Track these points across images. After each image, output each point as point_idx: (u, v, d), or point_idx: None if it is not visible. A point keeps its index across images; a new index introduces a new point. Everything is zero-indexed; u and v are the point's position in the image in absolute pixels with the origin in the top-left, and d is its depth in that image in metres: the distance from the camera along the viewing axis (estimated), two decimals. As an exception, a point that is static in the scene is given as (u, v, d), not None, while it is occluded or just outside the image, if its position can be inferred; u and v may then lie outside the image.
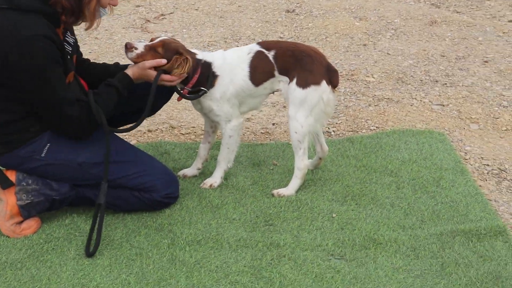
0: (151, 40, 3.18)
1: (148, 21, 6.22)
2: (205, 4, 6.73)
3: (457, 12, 6.53)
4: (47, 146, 2.94)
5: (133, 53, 3.10)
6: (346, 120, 4.31)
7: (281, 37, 5.80)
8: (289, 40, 5.70)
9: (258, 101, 3.42)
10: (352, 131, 4.18)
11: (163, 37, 3.20)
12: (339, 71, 4.99)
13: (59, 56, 2.82)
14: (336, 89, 3.32)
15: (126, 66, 3.24)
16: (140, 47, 3.11)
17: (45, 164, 2.95)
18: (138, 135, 4.06)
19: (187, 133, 4.11)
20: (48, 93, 2.80)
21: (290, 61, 3.23)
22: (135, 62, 3.13)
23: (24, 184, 2.97)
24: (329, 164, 3.70)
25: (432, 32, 5.91)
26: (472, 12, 6.54)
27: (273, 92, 3.43)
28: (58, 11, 2.81)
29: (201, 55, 3.26)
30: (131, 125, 3.11)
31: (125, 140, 3.70)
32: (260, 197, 3.37)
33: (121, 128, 3.11)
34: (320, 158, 3.59)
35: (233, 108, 3.30)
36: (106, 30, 5.96)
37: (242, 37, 5.79)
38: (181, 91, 3.24)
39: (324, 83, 3.22)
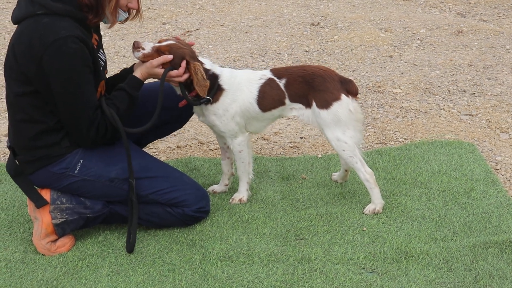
0: (159, 42, 3.19)
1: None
2: (230, 20, 6.79)
3: (484, 21, 6.49)
4: (80, 162, 2.99)
5: (140, 53, 3.11)
6: (374, 132, 4.30)
7: (307, 51, 5.82)
8: (314, 53, 5.73)
9: (263, 125, 3.42)
10: (380, 143, 4.17)
11: (171, 41, 3.17)
12: (365, 83, 5.03)
13: (90, 60, 2.88)
14: (357, 96, 3.29)
15: (132, 67, 3.26)
16: (148, 48, 3.12)
17: (78, 180, 3.00)
18: (167, 152, 4.11)
19: (216, 149, 4.14)
20: (76, 93, 2.85)
21: (302, 87, 3.22)
22: (142, 61, 3.14)
23: (58, 203, 3.02)
24: (358, 177, 3.69)
25: (459, 42, 5.88)
26: (499, 20, 6.49)
27: (282, 117, 3.41)
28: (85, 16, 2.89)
29: (209, 65, 3.25)
30: (147, 125, 3.07)
31: (155, 156, 3.75)
32: (290, 211, 3.38)
33: (136, 129, 3.07)
34: (346, 170, 3.59)
35: (239, 126, 3.30)
36: (134, 48, 6.03)
37: (268, 52, 5.83)
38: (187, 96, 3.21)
39: (343, 96, 3.20)
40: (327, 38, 6.12)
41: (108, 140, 3.04)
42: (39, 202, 3.00)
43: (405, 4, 7.10)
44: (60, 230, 3.03)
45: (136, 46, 3.12)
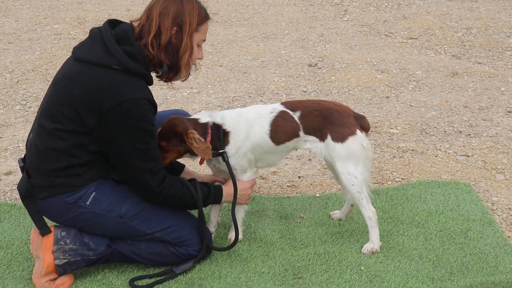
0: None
1: (174, 77, 6.37)
2: (229, 60, 6.89)
3: (478, 63, 6.60)
4: (93, 195, 3.00)
5: None
6: (371, 172, 4.34)
7: (304, 91, 5.90)
8: (312, 94, 5.80)
9: (277, 158, 3.43)
10: (377, 183, 4.21)
11: (159, 127, 3.20)
12: (363, 124, 5.09)
13: (154, 122, 2.95)
14: (368, 132, 3.33)
15: None
16: None
17: (88, 212, 3.01)
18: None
19: (214, 188, 4.16)
20: (138, 156, 2.90)
21: (318, 120, 3.25)
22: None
23: (62, 243, 3.03)
24: (356, 216, 3.72)
25: (454, 84, 5.97)
26: (494, 63, 6.60)
27: (296, 149, 3.45)
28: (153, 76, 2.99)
29: (206, 117, 3.26)
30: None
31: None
32: (288, 250, 3.39)
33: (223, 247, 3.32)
34: (351, 205, 3.61)
35: (249, 162, 3.33)
36: (134, 87, 6.10)
37: (266, 92, 5.90)
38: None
39: (358, 131, 3.25)
40: (324, 79, 6.21)
41: (170, 206, 3.12)
42: (44, 230, 3.01)
43: (401, 46, 7.22)
44: (61, 269, 3.03)
45: None
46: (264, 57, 6.94)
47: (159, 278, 3.11)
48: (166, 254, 3.14)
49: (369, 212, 3.31)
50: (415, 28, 7.84)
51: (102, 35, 2.89)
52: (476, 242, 3.44)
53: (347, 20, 8.39)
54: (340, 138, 3.22)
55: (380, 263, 3.27)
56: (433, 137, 4.86)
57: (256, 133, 3.27)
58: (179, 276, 3.14)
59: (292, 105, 3.33)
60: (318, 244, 3.44)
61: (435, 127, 5.03)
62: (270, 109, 3.31)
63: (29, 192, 2.99)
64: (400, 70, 6.34)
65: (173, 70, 3.01)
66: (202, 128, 3.21)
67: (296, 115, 3.28)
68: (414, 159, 4.50)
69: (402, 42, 7.39)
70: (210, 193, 3.19)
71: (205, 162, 3.39)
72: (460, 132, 4.94)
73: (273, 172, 4.37)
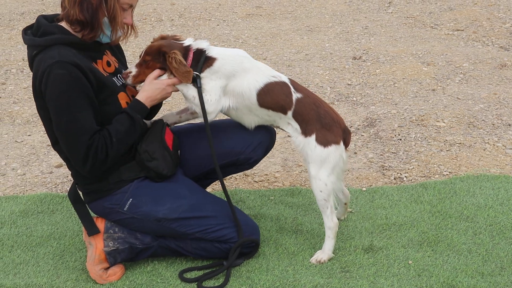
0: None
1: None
2: (272, 53, 6.90)
3: (527, 54, 6.46)
4: (130, 201, 3.07)
5: (130, 78, 3.08)
6: (418, 165, 4.31)
7: (349, 84, 5.88)
8: (357, 86, 5.77)
9: (250, 120, 3.26)
10: (424, 176, 4.17)
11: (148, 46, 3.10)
12: (408, 116, 5.06)
13: (84, 82, 2.79)
14: (347, 148, 3.27)
15: None
16: (133, 69, 3.08)
17: (127, 217, 3.09)
18: (213, 184, 4.17)
19: (260, 181, 4.19)
20: (68, 120, 2.78)
21: (311, 115, 3.16)
22: (136, 84, 3.12)
23: (111, 232, 3.13)
24: (403, 209, 3.70)
25: (503, 76, 5.87)
26: (543, 54, 6.46)
27: (274, 124, 3.29)
28: (80, 37, 2.88)
29: (190, 41, 3.10)
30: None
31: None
32: (335, 243, 3.39)
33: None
34: (345, 204, 3.56)
35: (221, 96, 3.11)
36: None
37: (310, 85, 5.90)
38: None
39: (341, 143, 3.20)
40: (369, 72, 6.17)
41: (110, 164, 2.97)
42: (91, 231, 3.10)
43: (447, 38, 7.12)
44: (112, 258, 3.11)
45: (124, 76, 3.09)
46: (308, 50, 6.93)
47: (208, 270, 3.15)
48: (212, 249, 3.17)
49: (331, 223, 3.24)
50: (461, 20, 7.71)
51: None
52: (527, 236, 3.39)
53: (392, 12, 8.31)
54: (324, 142, 3.14)
55: (428, 257, 3.24)
56: (481, 130, 4.79)
57: (245, 81, 3.10)
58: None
59: (297, 85, 3.23)
60: (365, 238, 3.44)
61: (483, 120, 4.95)
62: (274, 74, 3.19)
63: (77, 197, 3.15)
64: (447, 63, 6.26)
65: (87, 27, 2.87)
66: (184, 50, 3.05)
67: (295, 95, 3.17)
68: (461, 153, 4.44)
69: (448, 34, 7.28)
70: (129, 115, 2.96)
71: None
72: (509, 125, 4.85)
73: (319, 165, 4.37)
